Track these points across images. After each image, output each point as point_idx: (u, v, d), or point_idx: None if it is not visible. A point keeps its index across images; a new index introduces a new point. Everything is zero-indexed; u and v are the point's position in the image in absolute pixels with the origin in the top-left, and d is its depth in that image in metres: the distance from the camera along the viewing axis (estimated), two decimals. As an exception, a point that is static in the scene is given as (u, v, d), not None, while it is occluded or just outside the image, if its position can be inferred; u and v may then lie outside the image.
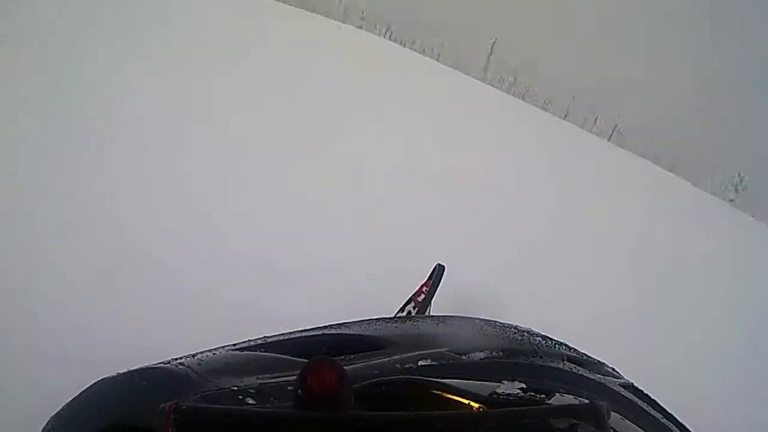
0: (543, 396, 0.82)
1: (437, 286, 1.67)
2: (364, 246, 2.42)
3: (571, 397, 0.87)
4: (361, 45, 4.12)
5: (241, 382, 0.77)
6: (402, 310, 1.73)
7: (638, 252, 3.00)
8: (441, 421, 0.63)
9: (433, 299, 1.66)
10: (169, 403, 0.56)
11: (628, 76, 3.76)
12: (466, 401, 0.74)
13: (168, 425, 0.55)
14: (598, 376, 1.09)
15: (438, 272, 1.70)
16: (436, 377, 0.80)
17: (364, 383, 0.72)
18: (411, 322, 1.30)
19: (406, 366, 0.89)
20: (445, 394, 0.74)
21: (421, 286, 1.70)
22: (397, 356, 0.94)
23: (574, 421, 0.61)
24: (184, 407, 0.57)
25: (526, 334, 1.23)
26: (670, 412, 1.13)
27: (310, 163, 2.91)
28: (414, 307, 1.68)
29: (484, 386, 0.81)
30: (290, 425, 0.59)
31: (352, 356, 0.93)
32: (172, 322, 1.96)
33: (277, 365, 0.86)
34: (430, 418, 0.66)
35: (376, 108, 3.42)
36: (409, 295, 1.74)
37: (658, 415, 1.07)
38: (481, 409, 0.73)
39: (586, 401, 0.82)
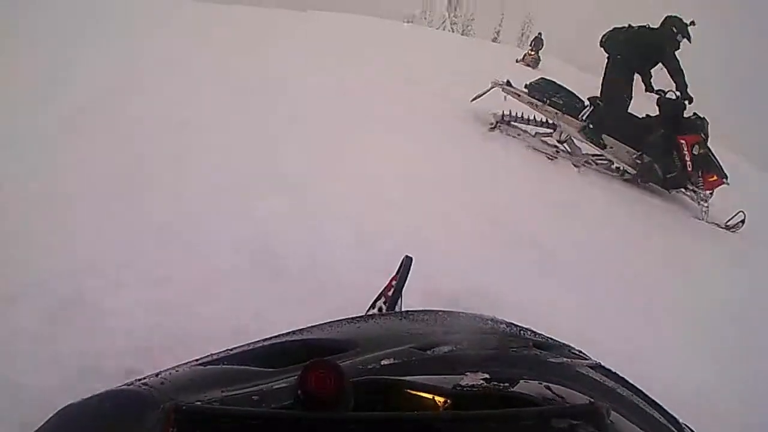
0: (506, 384, 0.83)
1: (405, 279, 1.60)
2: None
3: (536, 382, 0.88)
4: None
5: (205, 396, 0.75)
6: (373, 305, 1.69)
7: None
8: (442, 421, 0.63)
9: (403, 291, 1.63)
10: (169, 403, 0.57)
11: None
12: (430, 396, 0.74)
13: (168, 425, 0.54)
14: (564, 359, 1.09)
15: (405, 265, 1.62)
16: (400, 375, 0.81)
17: None
18: (374, 321, 1.29)
19: (369, 366, 0.88)
20: (409, 391, 0.75)
21: (390, 281, 1.66)
22: (360, 357, 0.93)
23: (574, 422, 0.61)
24: (184, 407, 0.56)
25: (490, 322, 1.23)
26: (641, 389, 1.12)
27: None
28: (384, 302, 1.65)
29: (448, 380, 0.81)
30: (290, 425, 0.59)
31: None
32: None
33: (241, 377, 0.85)
34: (431, 417, 0.66)
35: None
36: (380, 290, 1.70)
37: (627, 393, 1.06)
38: (447, 403, 0.73)
39: (565, 389, 0.86)
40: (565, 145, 5.66)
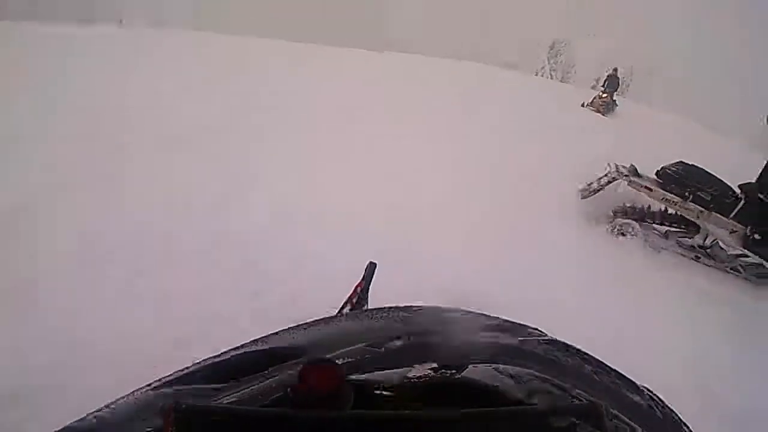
0: (454, 372, 0.85)
1: (370, 284, 1.63)
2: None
3: (485, 365, 0.88)
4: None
5: (157, 423, 0.75)
6: (340, 311, 1.63)
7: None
8: (441, 419, 0.64)
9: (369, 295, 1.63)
10: (168, 403, 0.57)
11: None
12: (378, 392, 0.77)
13: (168, 424, 0.54)
14: (518, 339, 1.09)
15: (369, 270, 1.65)
16: (354, 372, 0.82)
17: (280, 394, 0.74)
18: (328, 324, 1.27)
19: None
20: (358, 386, 0.75)
21: (356, 287, 1.64)
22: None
23: (574, 420, 0.61)
24: (183, 406, 0.56)
25: (442, 313, 1.24)
26: (606, 364, 1.09)
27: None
28: (351, 308, 1.61)
29: (397, 373, 0.83)
30: (289, 424, 0.59)
31: (267, 371, 0.92)
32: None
33: (193, 397, 0.86)
34: (430, 416, 0.66)
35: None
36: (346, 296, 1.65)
37: (588, 368, 1.05)
38: (396, 397, 0.75)
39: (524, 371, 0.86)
40: (708, 250, 4.36)
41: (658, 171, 4.47)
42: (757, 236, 4.09)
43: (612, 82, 12.97)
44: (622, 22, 31.38)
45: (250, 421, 0.58)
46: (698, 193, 4.17)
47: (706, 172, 4.40)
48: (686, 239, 4.42)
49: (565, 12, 32.48)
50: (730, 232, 4.21)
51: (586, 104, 12.11)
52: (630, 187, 4.37)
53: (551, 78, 26.99)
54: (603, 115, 11.79)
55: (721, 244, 4.33)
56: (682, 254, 4.31)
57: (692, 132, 11.22)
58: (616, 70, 13.43)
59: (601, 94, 12.67)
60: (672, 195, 4.24)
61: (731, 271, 4.28)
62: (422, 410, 0.73)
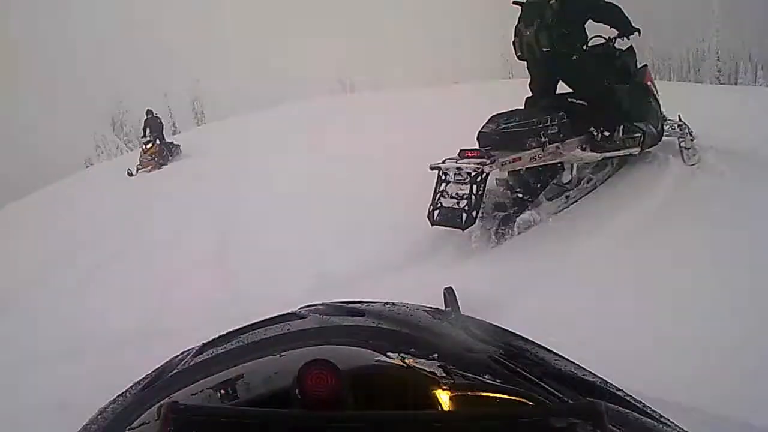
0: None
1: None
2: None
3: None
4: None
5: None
6: None
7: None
8: (439, 420, 0.65)
9: None
10: (166, 402, 0.58)
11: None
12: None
13: (166, 424, 0.55)
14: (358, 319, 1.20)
15: (450, 295, 1.55)
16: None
17: None
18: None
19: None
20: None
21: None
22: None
23: (573, 421, 0.60)
24: (181, 406, 0.57)
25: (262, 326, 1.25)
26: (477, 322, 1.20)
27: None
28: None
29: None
30: (288, 424, 0.59)
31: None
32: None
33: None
34: (429, 416, 0.68)
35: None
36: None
37: (429, 336, 1.10)
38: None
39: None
40: (569, 183, 4.09)
41: (483, 136, 3.84)
42: (605, 133, 4.03)
43: (153, 127, 10.65)
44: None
45: (249, 421, 0.58)
46: (550, 132, 3.75)
47: (518, 109, 4.02)
48: (553, 186, 4.04)
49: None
50: (582, 149, 3.97)
51: (136, 170, 10.00)
52: (504, 169, 3.70)
53: (128, 152, 23.48)
54: (160, 168, 9.93)
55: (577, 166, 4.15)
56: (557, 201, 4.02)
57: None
58: (150, 111, 10.94)
59: (144, 147, 10.38)
60: (534, 149, 3.70)
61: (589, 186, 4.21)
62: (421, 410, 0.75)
